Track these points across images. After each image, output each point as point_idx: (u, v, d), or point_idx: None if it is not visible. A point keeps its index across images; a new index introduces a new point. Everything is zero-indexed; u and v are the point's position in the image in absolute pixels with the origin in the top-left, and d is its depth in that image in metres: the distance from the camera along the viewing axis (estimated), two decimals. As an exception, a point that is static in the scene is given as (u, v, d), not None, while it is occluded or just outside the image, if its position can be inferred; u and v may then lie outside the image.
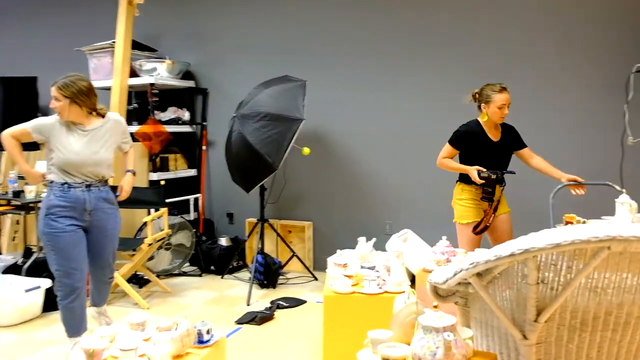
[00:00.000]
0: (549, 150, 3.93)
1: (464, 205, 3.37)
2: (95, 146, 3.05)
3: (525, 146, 3.45)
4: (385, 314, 2.79)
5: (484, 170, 3.26)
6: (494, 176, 3.22)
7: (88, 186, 3.06)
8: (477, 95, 3.40)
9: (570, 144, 4.09)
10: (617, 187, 3.43)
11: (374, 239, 4.69)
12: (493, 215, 3.30)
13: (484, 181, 3.23)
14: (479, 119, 3.40)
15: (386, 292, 2.87)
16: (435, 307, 1.42)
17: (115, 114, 3.22)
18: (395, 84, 4.69)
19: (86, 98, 2.97)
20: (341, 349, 2.82)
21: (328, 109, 4.92)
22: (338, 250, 4.88)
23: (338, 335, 2.83)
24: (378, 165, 4.83)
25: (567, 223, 2.61)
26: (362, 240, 4.76)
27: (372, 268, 3.24)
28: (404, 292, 2.56)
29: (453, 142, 3.41)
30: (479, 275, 1.47)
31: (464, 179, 3.41)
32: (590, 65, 4.01)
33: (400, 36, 4.63)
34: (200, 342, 2.13)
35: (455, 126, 4.49)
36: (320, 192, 5.06)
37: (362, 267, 3.30)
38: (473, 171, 3.25)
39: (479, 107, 3.39)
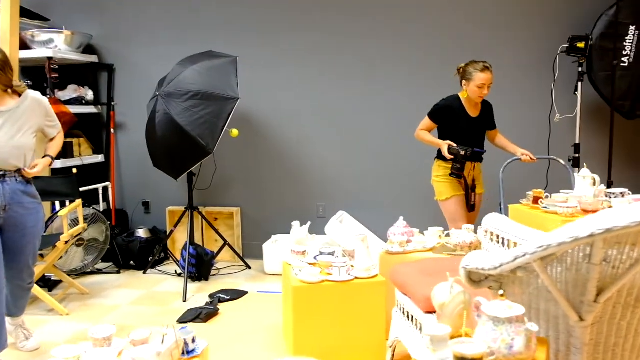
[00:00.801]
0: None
1: (440, 182, 3.36)
2: (12, 130, 2.54)
3: (495, 127, 3.54)
4: (356, 300, 2.68)
5: (454, 145, 3.24)
6: (462, 152, 3.21)
7: (2, 177, 2.55)
8: (460, 70, 3.38)
9: (504, 120, 4.24)
10: (562, 162, 3.62)
11: (309, 223, 4.55)
12: (473, 193, 3.31)
13: (452, 156, 3.21)
14: (459, 95, 3.39)
15: (356, 278, 2.75)
16: (502, 295, 1.31)
17: (36, 93, 2.71)
18: (326, 61, 4.54)
19: (0, 73, 2.45)
20: (313, 340, 2.66)
21: (256, 88, 4.64)
22: (273, 236, 4.70)
23: (309, 325, 2.66)
24: (309, 146, 4.67)
25: (535, 198, 2.67)
26: (296, 224, 4.58)
27: (332, 254, 3.10)
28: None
29: (432, 115, 3.37)
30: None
31: (441, 155, 3.40)
32: (520, 46, 4.17)
33: (336, 9, 4.47)
34: (187, 352, 1.84)
35: (390, 107, 4.47)
36: (249, 176, 4.80)
37: (321, 253, 3.14)
38: (444, 145, 3.24)
39: (461, 82, 3.38)
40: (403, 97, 4.44)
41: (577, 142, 3.88)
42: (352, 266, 2.85)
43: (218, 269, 4.56)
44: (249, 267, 4.58)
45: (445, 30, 4.30)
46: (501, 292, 1.33)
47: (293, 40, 4.56)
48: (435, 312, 2.23)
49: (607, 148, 3.91)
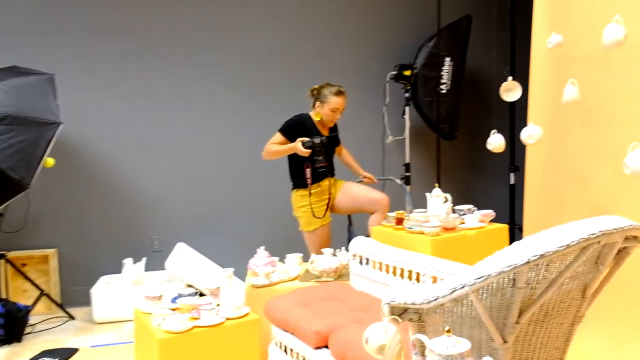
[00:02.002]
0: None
1: (306, 212, 3.25)
2: None
3: (340, 143, 3.56)
4: (230, 343, 2.45)
5: (307, 139, 3.15)
6: (318, 140, 3.12)
7: None
8: (314, 92, 3.31)
9: (343, 142, 4.39)
10: (398, 181, 3.85)
11: (144, 259, 4.13)
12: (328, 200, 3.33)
13: (309, 150, 3.13)
14: (311, 115, 3.33)
15: (227, 319, 2.51)
16: (448, 331, 1.28)
17: None
18: (159, 84, 4.18)
19: None
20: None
21: (75, 111, 4.04)
22: (102, 278, 4.11)
23: (178, 382, 2.34)
24: (139, 175, 4.23)
25: (398, 219, 2.76)
26: (129, 261, 4.11)
27: (194, 294, 2.80)
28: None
29: (284, 130, 3.27)
30: (469, 287, 1.39)
31: (298, 184, 3.31)
32: (355, 72, 4.39)
33: (175, 31, 4.14)
34: None
35: (223, 135, 4.30)
36: (67, 212, 4.14)
37: (180, 295, 2.81)
38: (297, 144, 3.13)
39: (314, 104, 3.32)
40: (238, 123, 4.32)
41: (407, 161, 4.20)
42: (218, 305, 2.61)
43: (32, 325, 3.81)
44: (73, 318, 3.93)
45: (286, 57, 4.33)
46: (447, 327, 1.29)
47: (120, 59, 4.10)
48: (325, 347, 2.14)
49: (432, 166, 4.32)
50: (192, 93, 4.24)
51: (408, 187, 4.12)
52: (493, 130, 3.03)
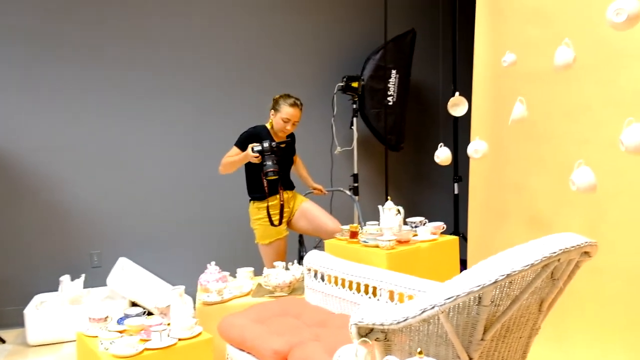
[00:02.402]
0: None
1: (262, 225, 3.19)
2: None
3: (295, 152, 3.55)
4: (183, 366, 2.36)
5: (256, 144, 3.09)
6: (267, 145, 3.06)
7: None
8: (273, 101, 3.31)
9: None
10: (347, 192, 3.86)
11: (82, 275, 3.93)
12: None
13: (259, 154, 3.07)
14: (266, 125, 3.31)
15: (179, 339, 2.42)
16: (420, 353, 1.29)
17: None
18: (96, 92, 3.99)
19: None
20: None
21: (4, 120, 3.79)
22: (36, 297, 3.85)
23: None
24: (76, 187, 4.01)
25: (352, 233, 2.77)
26: (66, 278, 3.88)
27: (142, 314, 2.67)
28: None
29: (240, 143, 3.21)
30: (438, 307, 1.41)
31: (256, 197, 3.26)
32: (303, 83, 4.37)
33: (116, 39, 3.97)
34: None
35: (167, 144, 4.18)
36: (-4, 227, 3.87)
37: (126, 315, 2.68)
38: (248, 150, 3.09)
39: (270, 112, 3.31)
40: (184, 131, 4.20)
41: (355, 172, 4.24)
42: (168, 325, 2.51)
43: (-43, 350, 3.52)
44: (3, 341, 3.66)
45: (233, 69, 4.26)
46: (419, 349, 1.30)
47: (55, 68, 3.89)
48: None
49: (379, 176, 4.38)
50: (132, 100, 4.08)
51: (357, 198, 4.15)
52: (440, 144, 3.11)
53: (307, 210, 3.42)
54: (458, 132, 4.30)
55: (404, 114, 4.51)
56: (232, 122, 4.24)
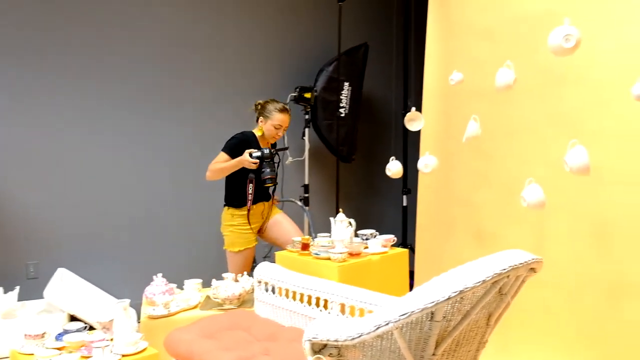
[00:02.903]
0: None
1: (234, 232, 3.14)
2: None
3: None
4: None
5: (254, 150, 3.07)
6: (267, 152, 3.05)
7: None
8: (259, 107, 3.24)
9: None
10: (299, 203, 3.85)
11: (17, 288, 3.72)
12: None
13: (257, 161, 3.03)
14: (254, 131, 3.25)
15: (123, 355, 2.32)
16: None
17: None
18: (32, 88, 3.80)
19: None
20: None
21: None
22: (-33, 312, 3.60)
23: None
24: (10, 193, 3.79)
25: (304, 245, 2.75)
26: (-1, 291, 3.66)
27: (83, 329, 2.55)
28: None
29: (230, 150, 3.13)
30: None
31: (233, 202, 3.20)
32: (257, 92, 4.31)
33: (81, 43, 3.79)
34: None
35: (111, 145, 4.04)
36: None
37: (65, 331, 2.55)
38: (244, 155, 3.04)
39: (257, 119, 3.25)
40: (130, 131, 4.07)
41: (306, 182, 4.23)
42: (111, 340, 2.40)
43: None
44: None
45: (186, 76, 4.17)
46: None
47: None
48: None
49: (330, 187, 4.39)
50: (70, 104, 3.91)
51: (307, 208, 4.14)
52: (392, 157, 3.16)
53: (279, 223, 3.42)
54: (407, 146, 4.39)
55: (356, 126, 4.55)
56: (177, 129, 4.15)
